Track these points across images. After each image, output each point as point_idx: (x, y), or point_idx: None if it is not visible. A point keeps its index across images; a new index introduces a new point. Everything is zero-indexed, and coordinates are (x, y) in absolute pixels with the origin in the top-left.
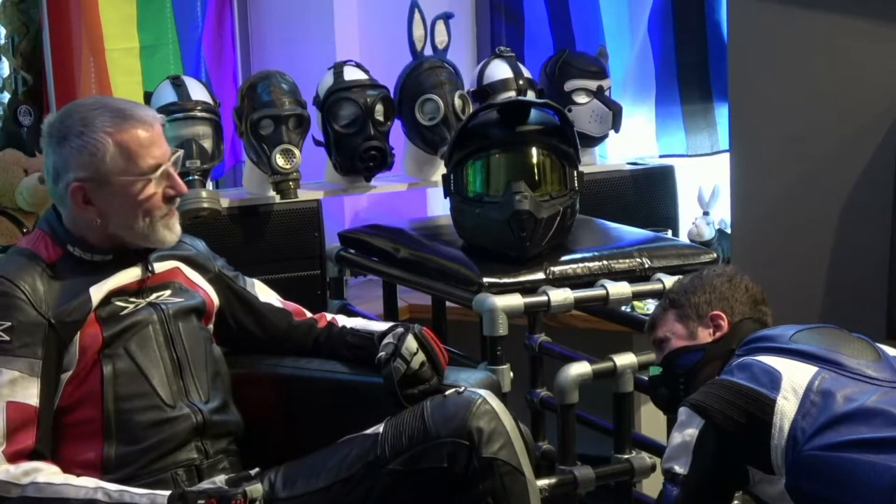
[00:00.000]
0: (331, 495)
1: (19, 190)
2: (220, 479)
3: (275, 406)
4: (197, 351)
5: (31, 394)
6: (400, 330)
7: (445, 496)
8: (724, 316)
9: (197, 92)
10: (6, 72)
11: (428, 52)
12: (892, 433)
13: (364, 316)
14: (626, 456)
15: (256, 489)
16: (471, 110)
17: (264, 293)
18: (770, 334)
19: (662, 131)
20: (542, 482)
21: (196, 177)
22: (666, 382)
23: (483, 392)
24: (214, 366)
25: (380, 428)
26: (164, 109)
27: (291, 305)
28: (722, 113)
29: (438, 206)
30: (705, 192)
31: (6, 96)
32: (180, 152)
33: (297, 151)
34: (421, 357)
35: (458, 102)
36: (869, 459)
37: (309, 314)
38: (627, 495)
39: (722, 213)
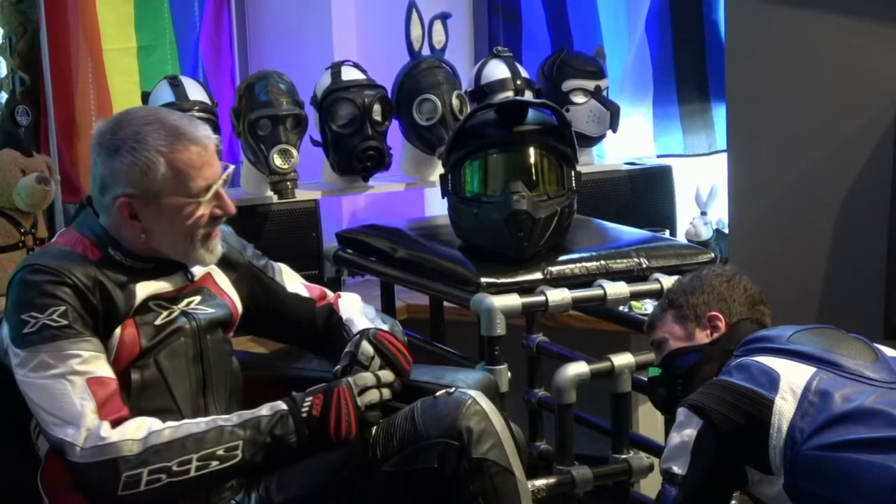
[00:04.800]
0: (325, 498)
1: (17, 190)
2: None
3: None
4: (220, 367)
5: (105, 369)
6: (357, 338)
7: (437, 497)
8: (721, 317)
9: (194, 92)
10: (3, 72)
11: (426, 52)
12: (891, 433)
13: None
14: (623, 456)
15: (362, 378)
16: (468, 110)
17: (291, 281)
18: (768, 335)
19: (660, 131)
20: (540, 482)
21: None
22: (664, 383)
23: (473, 392)
24: (233, 381)
25: (372, 430)
26: None
27: (315, 290)
28: (719, 113)
29: (436, 206)
30: (703, 192)
31: (3, 96)
32: (231, 169)
33: (294, 151)
34: (378, 361)
35: (455, 102)
36: (867, 459)
37: (329, 295)
38: (625, 495)
39: (719, 213)
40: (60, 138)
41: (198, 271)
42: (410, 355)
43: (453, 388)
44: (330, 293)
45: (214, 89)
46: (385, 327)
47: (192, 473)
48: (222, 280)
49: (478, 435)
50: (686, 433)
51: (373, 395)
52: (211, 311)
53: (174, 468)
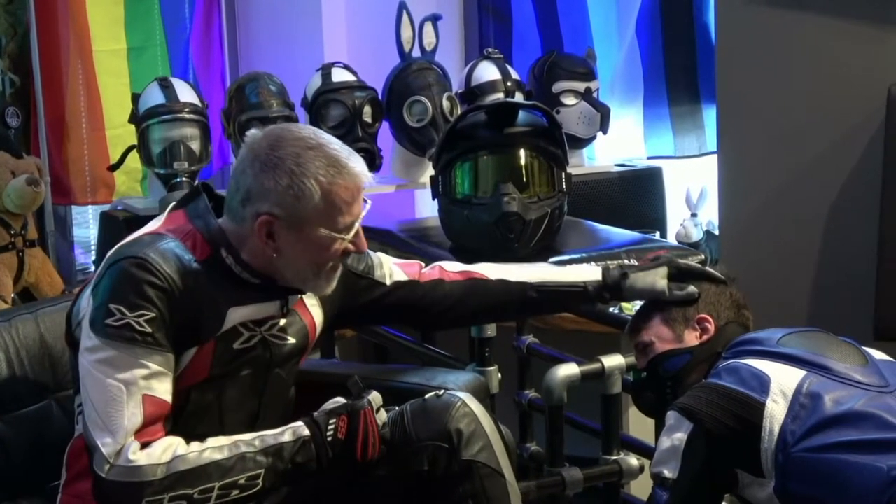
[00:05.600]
0: (315, 503)
1: (7, 192)
2: (338, 399)
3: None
4: (277, 401)
5: (165, 389)
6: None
7: (427, 499)
8: (710, 319)
9: (185, 93)
10: None
11: (416, 53)
12: (881, 435)
13: None
14: (614, 457)
15: (376, 397)
16: (459, 112)
17: (390, 272)
18: (757, 337)
19: (650, 133)
20: (530, 483)
21: (184, 178)
22: (652, 387)
23: (462, 395)
24: (285, 409)
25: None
26: (152, 111)
27: (414, 267)
28: (710, 114)
29: (426, 208)
30: (693, 194)
31: None
32: (369, 205)
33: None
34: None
35: (446, 104)
36: (857, 460)
37: (426, 268)
38: (615, 497)
39: (710, 215)
40: (50, 140)
41: (293, 302)
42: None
43: (442, 391)
44: (425, 265)
45: (205, 91)
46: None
47: (213, 502)
48: (310, 301)
49: (467, 437)
50: (676, 437)
51: (384, 415)
52: (291, 341)
53: (195, 496)
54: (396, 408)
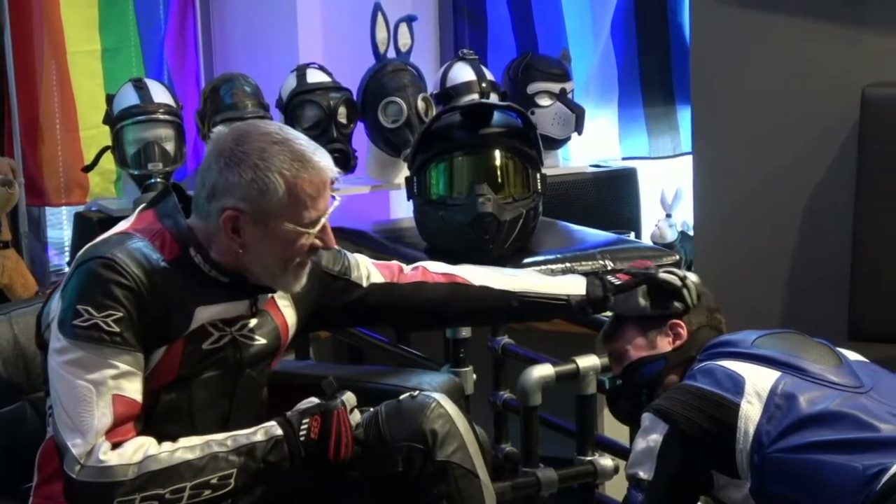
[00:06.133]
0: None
1: None
2: (312, 399)
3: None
4: (249, 402)
5: (135, 389)
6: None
7: (401, 500)
8: (682, 324)
9: (159, 94)
10: None
11: (391, 54)
12: (856, 434)
13: None
14: (588, 458)
15: (350, 398)
16: (434, 113)
17: (368, 273)
18: (732, 339)
19: (625, 134)
20: (505, 484)
21: (158, 179)
22: (627, 393)
23: (437, 395)
24: (258, 413)
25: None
26: (126, 112)
27: (393, 268)
28: (684, 115)
29: (401, 209)
30: (668, 195)
31: None
32: (338, 202)
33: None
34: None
35: (421, 105)
36: (834, 460)
37: (406, 268)
38: (590, 497)
39: (684, 216)
40: (24, 141)
41: (263, 301)
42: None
43: (417, 392)
44: (406, 265)
45: (179, 92)
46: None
47: (184, 502)
48: (283, 302)
49: (442, 438)
50: (652, 438)
51: (358, 416)
52: (261, 342)
53: (167, 496)
54: (371, 409)
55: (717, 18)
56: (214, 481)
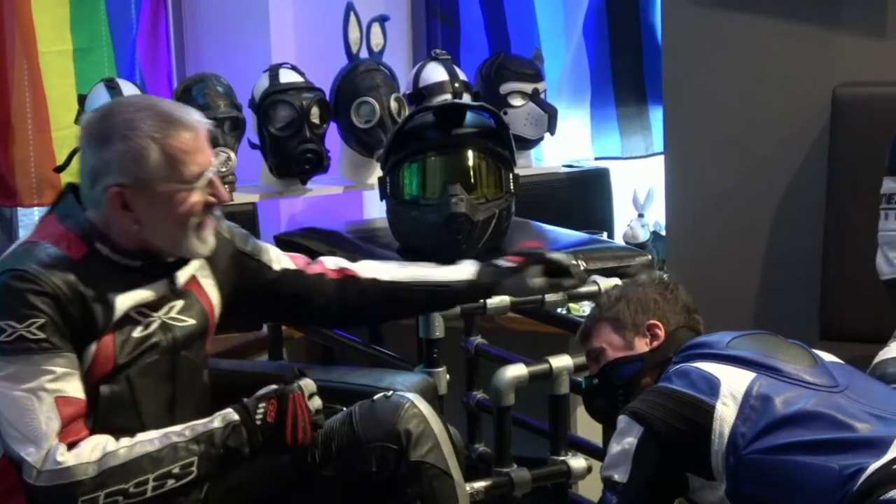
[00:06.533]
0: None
1: None
2: (271, 385)
3: None
4: (191, 385)
5: (76, 388)
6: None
7: (375, 500)
8: (660, 325)
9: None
10: None
11: (363, 54)
12: (832, 435)
13: None
14: (562, 458)
15: (308, 384)
16: (406, 113)
17: (277, 257)
18: (707, 341)
19: (597, 134)
20: (478, 484)
21: None
22: (604, 393)
23: (411, 395)
24: (202, 397)
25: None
26: None
27: (299, 259)
28: (656, 115)
29: (375, 209)
30: (640, 195)
31: None
32: (224, 155)
33: (232, 154)
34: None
35: (393, 105)
36: (810, 461)
37: (313, 263)
38: (563, 497)
39: (657, 216)
40: None
41: (182, 278)
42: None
43: (391, 392)
44: (308, 259)
45: (151, 92)
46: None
47: (149, 494)
48: (207, 282)
49: (416, 438)
50: (627, 441)
51: (318, 402)
52: (191, 322)
53: (131, 490)
54: (344, 409)
55: (688, 19)
56: (176, 470)
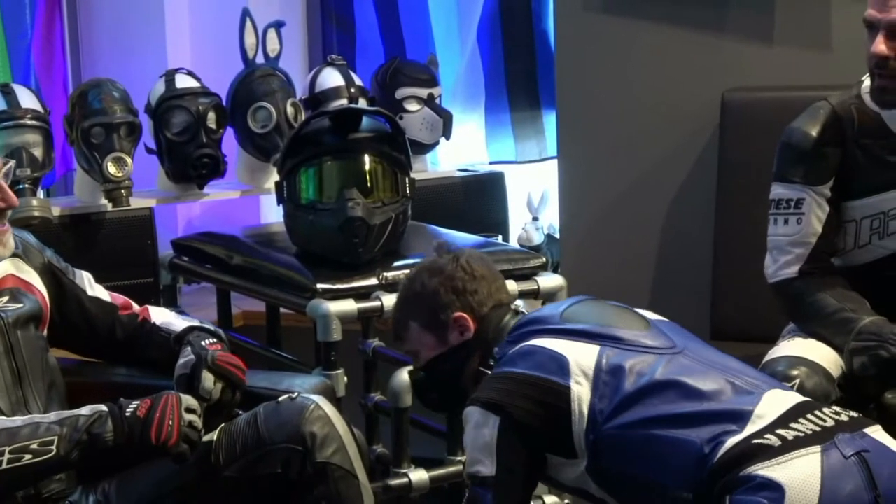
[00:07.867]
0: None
1: None
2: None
3: None
4: (35, 361)
5: None
6: (191, 358)
7: (280, 501)
8: (466, 317)
9: (27, 100)
10: None
11: (260, 60)
12: (687, 408)
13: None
14: (459, 458)
15: (189, 400)
16: (303, 118)
17: (93, 287)
18: (540, 316)
19: (492, 138)
20: (377, 485)
21: (27, 185)
22: (432, 386)
23: (316, 398)
24: (50, 375)
25: (213, 435)
26: None
27: (120, 299)
28: (550, 120)
29: (272, 214)
30: (534, 198)
31: None
32: (11, 163)
33: (128, 159)
34: (219, 387)
35: (290, 110)
36: (671, 435)
37: (136, 307)
38: (460, 497)
39: (551, 218)
40: None
41: None
42: (244, 363)
43: (296, 393)
44: (136, 305)
45: (47, 97)
46: (210, 333)
47: (4, 466)
48: (27, 274)
49: (321, 440)
50: (485, 433)
51: (194, 419)
52: (19, 305)
53: None
54: (242, 412)
55: (580, 25)
56: (35, 446)
